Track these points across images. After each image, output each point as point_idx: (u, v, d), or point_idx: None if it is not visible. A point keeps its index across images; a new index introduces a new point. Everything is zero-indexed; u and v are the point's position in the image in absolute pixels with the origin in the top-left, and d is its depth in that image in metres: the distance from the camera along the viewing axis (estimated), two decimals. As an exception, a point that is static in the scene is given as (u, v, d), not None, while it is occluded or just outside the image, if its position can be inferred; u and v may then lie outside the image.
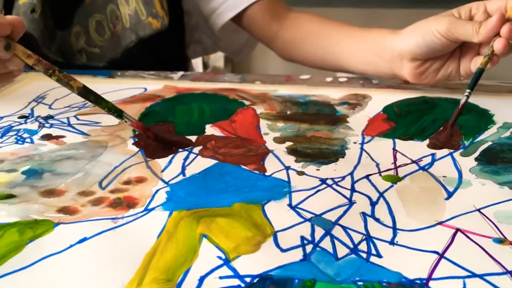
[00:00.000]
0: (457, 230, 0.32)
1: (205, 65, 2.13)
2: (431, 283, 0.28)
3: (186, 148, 0.44)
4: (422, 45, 0.51)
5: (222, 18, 0.77)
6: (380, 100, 0.56)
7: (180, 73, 0.67)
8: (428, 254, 0.30)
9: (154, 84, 0.61)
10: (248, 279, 0.28)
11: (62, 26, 0.75)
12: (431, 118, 0.50)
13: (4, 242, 0.31)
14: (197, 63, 2.00)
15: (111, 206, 0.35)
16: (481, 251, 0.30)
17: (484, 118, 0.50)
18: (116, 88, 0.59)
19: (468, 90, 0.48)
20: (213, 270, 0.29)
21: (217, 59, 2.21)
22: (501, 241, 0.31)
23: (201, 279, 0.28)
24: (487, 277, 0.28)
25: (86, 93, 0.42)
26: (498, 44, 0.47)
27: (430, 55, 0.52)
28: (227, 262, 0.30)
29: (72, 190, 0.38)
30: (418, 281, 0.28)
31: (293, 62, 0.75)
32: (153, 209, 0.35)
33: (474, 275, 0.28)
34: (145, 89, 0.59)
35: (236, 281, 0.28)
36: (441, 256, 0.30)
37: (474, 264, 0.29)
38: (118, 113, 0.43)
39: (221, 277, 0.28)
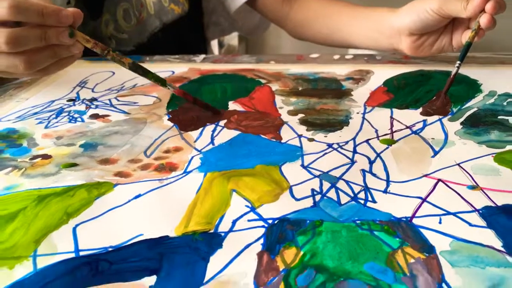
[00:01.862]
0: (439, 180, 0.40)
1: (221, 44, 2.19)
2: (414, 220, 0.35)
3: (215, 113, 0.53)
4: (417, 21, 0.58)
5: (237, 1, 0.84)
6: (381, 74, 0.62)
7: (202, 56, 0.74)
8: (414, 199, 0.38)
9: (179, 67, 0.69)
10: (270, 221, 0.36)
11: (94, 16, 0.82)
12: (426, 89, 0.57)
13: (77, 199, 0.40)
14: (213, 42, 2.06)
15: (156, 170, 0.44)
16: (456, 196, 0.38)
17: (473, 88, 0.57)
18: (147, 72, 0.67)
19: (458, 62, 0.55)
20: (243, 215, 0.37)
21: (232, 38, 2.27)
22: (474, 187, 0.39)
23: (234, 222, 0.36)
24: (459, 214, 0.36)
25: (136, 67, 0.49)
26: (483, 19, 0.54)
27: (425, 30, 0.59)
28: (253, 209, 0.37)
29: (123, 158, 0.46)
30: (404, 219, 0.36)
31: (303, 40, 0.81)
32: (190, 171, 0.43)
33: (448, 213, 0.36)
34: (173, 72, 0.67)
35: (260, 223, 0.36)
36: (424, 200, 0.38)
37: (449, 205, 0.37)
38: (162, 82, 0.50)
39: (249, 220, 0.36)
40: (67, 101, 0.59)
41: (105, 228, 0.36)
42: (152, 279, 0.31)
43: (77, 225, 0.36)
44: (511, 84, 0.57)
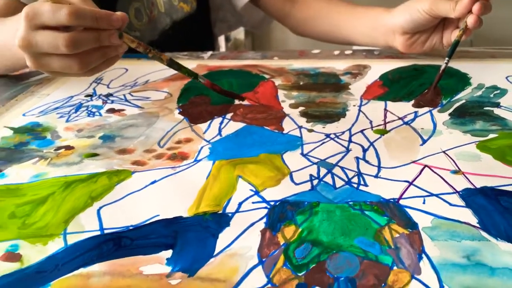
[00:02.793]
0: (425, 166, 0.44)
1: (227, 39, 2.23)
2: (401, 201, 0.40)
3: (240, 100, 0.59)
4: (410, 21, 0.62)
5: None
6: (378, 69, 0.66)
7: (209, 53, 0.79)
8: (401, 183, 0.42)
9: (188, 64, 0.72)
10: (272, 203, 0.40)
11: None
12: (419, 82, 0.61)
13: (99, 184, 0.44)
14: (220, 37, 2.10)
15: (169, 159, 0.48)
16: (440, 180, 0.42)
17: (463, 81, 0.61)
18: (158, 68, 0.71)
19: (446, 58, 0.58)
20: (248, 198, 0.41)
21: (238, 32, 2.31)
22: (456, 172, 0.43)
23: (240, 204, 0.41)
24: (441, 196, 0.40)
25: (172, 63, 0.53)
26: (470, 20, 0.58)
27: (417, 29, 0.63)
28: (257, 193, 0.42)
29: (139, 149, 0.50)
30: (392, 200, 0.40)
31: (304, 37, 0.86)
32: (200, 160, 0.47)
33: (432, 194, 0.40)
34: (182, 68, 0.71)
35: (263, 205, 0.40)
36: (410, 183, 0.42)
37: (433, 188, 0.41)
38: (194, 75, 0.54)
39: (253, 202, 0.41)
40: (85, 96, 0.64)
41: (125, 210, 0.41)
42: (168, 253, 0.36)
43: (100, 207, 0.41)
44: (500, 77, 0.61)
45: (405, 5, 0.64)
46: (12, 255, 0.36)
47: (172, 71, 0.70)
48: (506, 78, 0.61)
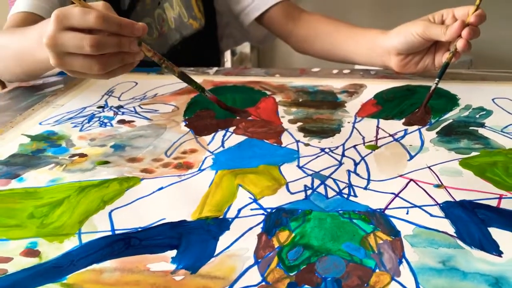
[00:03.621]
0: (411, 180, 0.48)
1: (233, 52, 2.28)
2: (386, 211, 0.43)
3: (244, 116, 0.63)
4: (404, 43, 0.67)
5: (249, 17, 0.93)
6: (373, 88, 0.70)
7: (215, 68, 0.83)
8: (388, 194, 0.46)
9: (194, 79, 0.77)
10: (268, 210, 0.44)
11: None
12: (410, 102, 0.65)
13: (111, 189, 0.48)
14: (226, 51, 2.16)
15: (175, 167, 0.52)
16: (423, 193, 0.46)
17: (451, 102, 0.64)
18: (165, 83, 0.76)
19: (436, 79, 0.63)
20: (247, 205, 0.45)
21: (244, 46, 2.36)
22: (439, 186, 0.46)
23: (239, 210, 0.44)
24: (423, 207, 0.43)
25: (183, 76, 0.57)
26: (459, 44, 0.62)
27: (411, 51, 0.68)
28: (255, 200, 0.46)
29: (147, 158, 0.54)
30: (378, 210, 0.44)
31: (305, 54, 0.90)
32: (204, 169, 0.51)
33: (415, 206, 0.44)
34: (189, 83, 0.75)
35: (261, 211, 0.44)
36: (396, 195, 0.45)
37: (417, 200, 0.45)
38: (201, 89, 0.58)
39: (251, 209, 0.44)
40: (97, 107, 0.68)
41: (134, 213, 0.44)
42: (173, 253, 0.39)
43: (112, 210, 0.45)
44: (487, 99, 0.65)
45: (400, 28, 0.68)
46: (32, 251, 0.40)
47: (178, 86, 0.74)
48: (493, 100, 0.65)
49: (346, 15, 2.02)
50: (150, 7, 0.91)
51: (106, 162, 0.53)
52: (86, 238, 0.41)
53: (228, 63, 2.21)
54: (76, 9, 0.51)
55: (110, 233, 0.42)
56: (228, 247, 0.40)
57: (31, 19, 0.75)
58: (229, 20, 0.98)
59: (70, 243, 0.41)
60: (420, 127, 0.58)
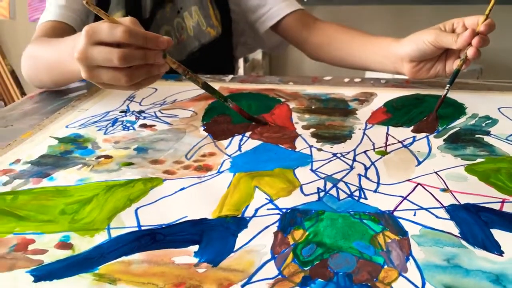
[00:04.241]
0: (418, 184, 0.51)
1: (245, 59, 2.32)
2: (395, 213, 0.46)
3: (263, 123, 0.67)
4: (416, 50, 0.70)
5: (264, 25, 0.96)
6: (383, 96, 0.73)
7: (230, 76, 0.86)
8: (396, 197, 0.48)
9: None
10: (284, 210, 0.47)
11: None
12: (419, 110, 0.68)
13: (136, 189, 0.51)
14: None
15: (195, 169, 0.55)
16: (430, 196, 0.48)
17: (459, 110, 0.67)
18: (184, 89, 0.79)
19: (448, 85, 0.66)
20: (263, 205, 0.48)
21: (256, 53, 2.40)
22: (445, 190, 0.49)
23: (256, 210, 0.47)
24: (430, 209, 0.46)
25: (207, 86, 0.62)
26: (470, 51, 0.65)
27: (423, 58, 0.71)
28: (271, 201, 0.49)
29: (169, 160, 0.57)
30: (387, 212, 0.46)
31: (319, 61, 0.93)
32: (222, 172, 0.54)
33: (422, 208, 0.46)
34: (206, 90, 0.79)
35: (276, 211, 0.47)
36: (404, 198, 0.48)
37: (424, 203, 0.47)
38: (224, 98, 0.62)
39: (268, 209, 0.47)
40: (120, 112, 0.72)
41: (159, 211, 0.48)
42: (195, 247, 0.42)
43: (138, 208, 0.48)
44: (493, 108, 0.67)
45: (412, 36, 0.72)
46: (65, 244, 0.43)
47: (196, 92, 0.78)
48: (498, 109, 0.67)
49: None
50: (170, 16, 0.95)
51: (130, 164, 0.57)
52: (115, 233, 0.44)
53: (240, 70, 2.25)
54: (105, 25, 0.55)
55: (136, 229, 0.45)
56: (246, 243, 0.43)
57: (59, 27, 0.80)
58: (244, 28, 1.02)
59: (100, 237, 0.44)
60: (428, 134, 0.61)
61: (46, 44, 0.74)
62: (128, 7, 0.91)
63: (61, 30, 0.75)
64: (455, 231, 0.43)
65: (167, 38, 0.57)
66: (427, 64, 0.73)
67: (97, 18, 0.93)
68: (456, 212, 0.46)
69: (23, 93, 2.24)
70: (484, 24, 0.65)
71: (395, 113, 0.68)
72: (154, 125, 0.67)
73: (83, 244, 0.43)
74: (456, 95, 0.71)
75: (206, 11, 0.94)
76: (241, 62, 2.25)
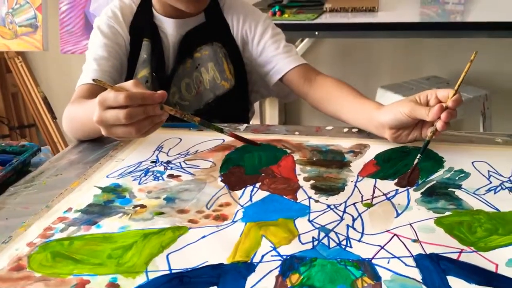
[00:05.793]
0: (394, 234, 0.62)
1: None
2: (373, 260, 0.58)
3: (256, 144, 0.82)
4: (394, 120, 0.81)
5: (272, 79, 1.09)
6: (375, 148, 0.85)
7: (245, 125, 0.99)
8: (376, 246, 0.60)
9: (227, 136, 0.94)
10: (284, 257, 0.59)
11: (164, 89, 1.09)
12: (403, 163, 0.79)
13: (167, 236, 0.64)
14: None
15: (214, 219, 0.68)
16: (403, 246, 0.60)
17: (437, 164, 0.79)
18: (204, 139, 0.92)
19: (419, 155, 0.76)
20: (268, 252, 0.60)
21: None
22: (415, 240, 0.61)
23: (262, 256, 0.59)
24: (401, 258, 0.58)
25: (202, 123, 0.77)
26: (439, 124, 0.76)
27: (401, 126, 0.82)
28: (275, 248, 0.61)
29: (192, 209, 0.70)
30: (367, 259, 0.58)
31: (321, 112, 1.05)
32: (236, 221, 0.67)
33: (394, 257, 0.58)
34: (223, 140, 0.91)
35: (278, 258, 0.59)
36: (381, 247, 0.60)
37: (397, 252, 0.59)
38: (220, 130, 0.77)
39: (272, 255, 0.60)
40: (150, 162, 0.85)
41: (185, 256, 0.60)
42: (214, 288, 0.55)
43: (168, 254, 0.61)
44: (467, 162, 0.79)
45: (391, 106, 0.82)
46: (114, 285, 0.56)
47: (215, 143, 0.90)
48: (472, 163, 0.78)
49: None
50: (190, 70, 1.09)
51: (162, 213, 0.69)
52: (151, 275, 0.57)
53: (256, 109, 2.38)
54: (111, 93, 0.71)
55: (168, 272, 0.57)
56: (253, 286, 0.55)
57: (95, 89, 0.94)
58: (256, 79, 1.15)
59: (141, 279, 0.56)
60: (408, 188, 0.73)
61: (79, 106, 0.92)
62: (153, 66, 1.05)
63: (98, 90, 0.89)
64: (419, 277, 0.55)
65: (162, 92, 0.73)
66: (405, 130, 0.83)
67: (129, 77, 1.08)
68: (422, 260, 0.57)
69: (54, 118, 2.41)
70: (452, 100, 0.75)
71: (383, 166, 0.79)
72: (180, 176, 0.80)
73: (127, 284, 0.56)
74: (438, 148, 0.83)
75: (221, 67, 1.08)
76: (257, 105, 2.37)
